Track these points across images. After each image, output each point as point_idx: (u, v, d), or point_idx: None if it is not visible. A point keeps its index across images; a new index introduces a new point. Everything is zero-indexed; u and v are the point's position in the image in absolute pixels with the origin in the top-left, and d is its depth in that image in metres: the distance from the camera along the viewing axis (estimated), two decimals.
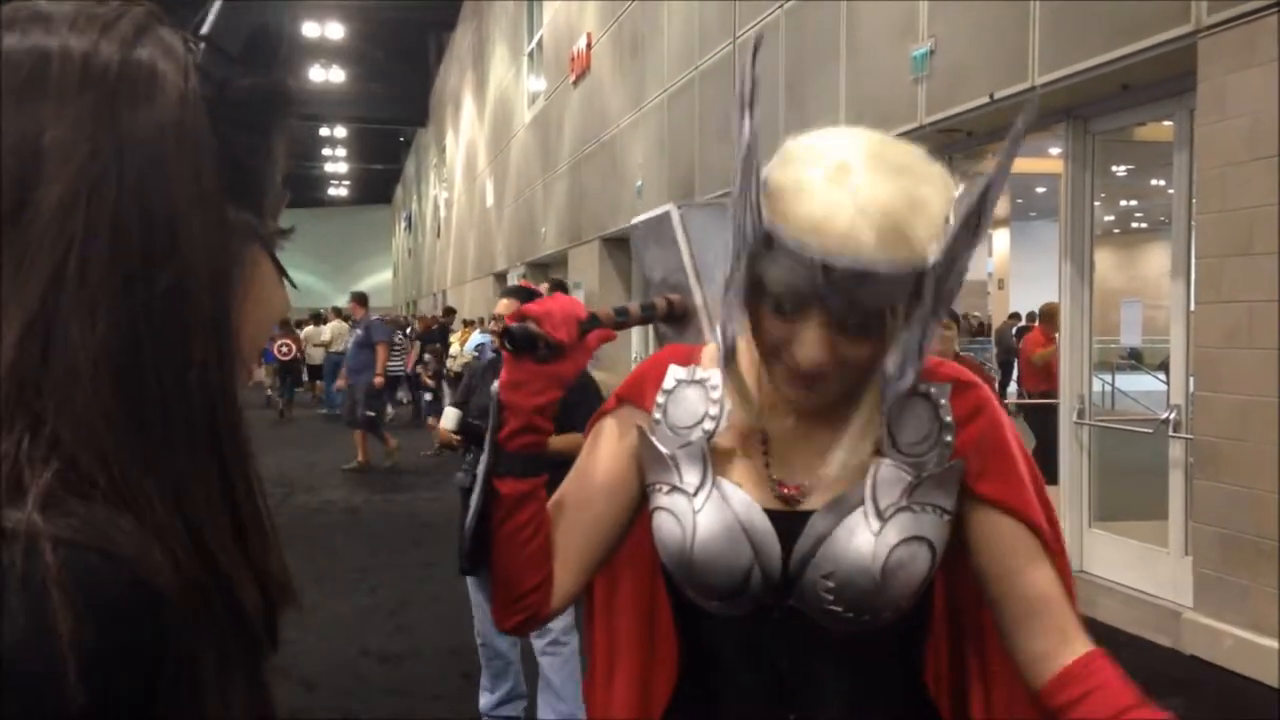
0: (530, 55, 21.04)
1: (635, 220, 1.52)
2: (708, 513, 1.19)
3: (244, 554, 0.62)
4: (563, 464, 1.34)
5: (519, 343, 1.18)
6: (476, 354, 12.72)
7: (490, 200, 25.77)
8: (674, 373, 1.29)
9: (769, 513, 1.20)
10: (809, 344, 1.08)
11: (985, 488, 1.20)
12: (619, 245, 15.65)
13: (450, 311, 17.58)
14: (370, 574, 7.17)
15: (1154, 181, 15.94)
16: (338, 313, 20.14)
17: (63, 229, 0.57)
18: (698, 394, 1.26)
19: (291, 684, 5.03)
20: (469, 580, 3.89)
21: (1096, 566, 6.24)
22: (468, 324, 16.95)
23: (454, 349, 15.57)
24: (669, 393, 1.28)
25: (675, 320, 1.36)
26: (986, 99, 6.51)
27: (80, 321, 0.57)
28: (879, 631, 1.20)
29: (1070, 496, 6.55)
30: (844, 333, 1.08)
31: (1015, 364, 16.25)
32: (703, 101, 11.40)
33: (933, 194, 1.06)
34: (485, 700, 4.12)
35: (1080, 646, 1.19)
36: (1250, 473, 4.82)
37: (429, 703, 4.05)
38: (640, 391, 1.31)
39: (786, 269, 1.06)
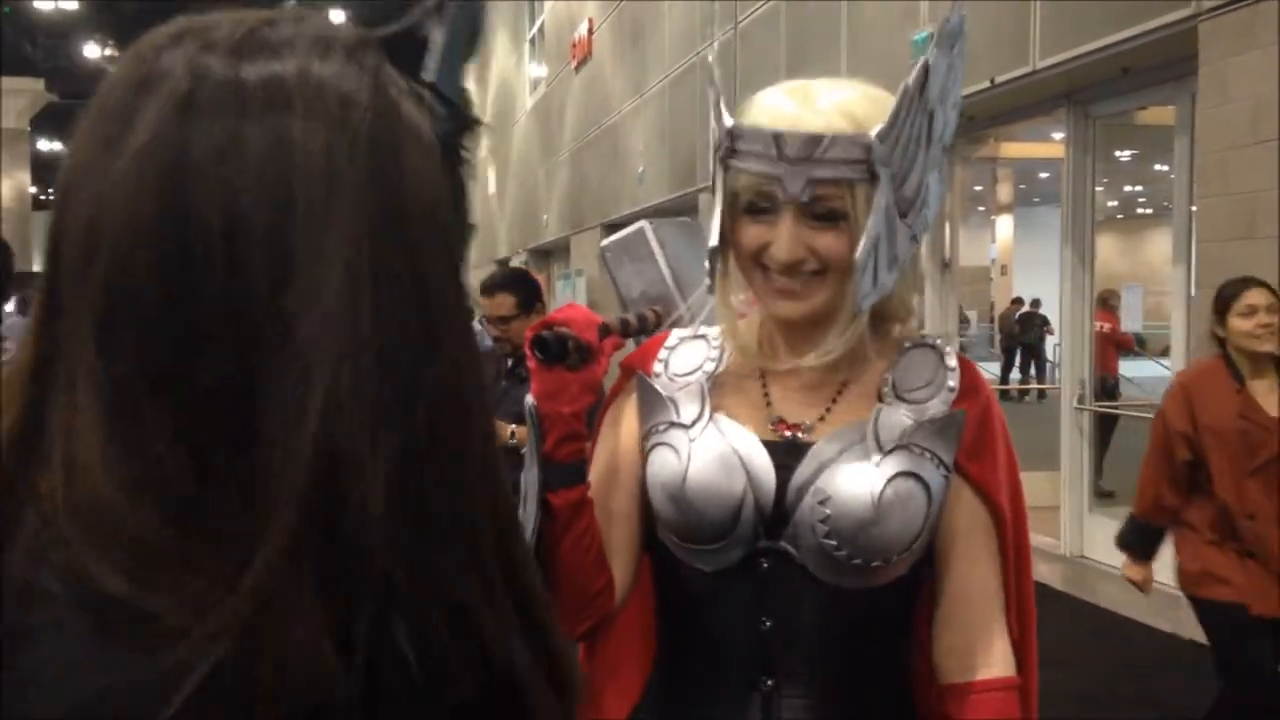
0: (532, 41, 20.98)
1: (606, 241, 1.55)
2: (703, 442, 1.21)
3: (536, 653, 0.54)
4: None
5: (551, 350, 1.18)
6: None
7: (492, 187, 25.74)
8: (678, 333, 1.35)
9: (767, 444, 1.21)
10: (783, 236, 1.14)
11: (964, 461, 1.21)
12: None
13: None
14: None
15: (1157, 167, 15.91)
16: None
17: (324, 335, 0.47)
18: (699, 345, 1.32)
19: None
20: None
21: (1096, 551, 6.23)
22: None
23: None
24: (671, 349, 1.33)
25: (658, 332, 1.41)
26: (988, 83, 6.48)
27: (362, 441, 0.47)
28: (870, 600, 1.19)
29: (1071, 481, 6.54)
30: (814, 222, 1.14)
31: (1018, 350, 16.24)
32: (704, 89, 11.34)
33: (884, 96, 1.16)
34: None
35: (987, 664, 1.19)
36: None
37: None
38: (645, 357, 1.34)
39: (751, 162, 1.15)
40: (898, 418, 1.20)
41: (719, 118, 1.19)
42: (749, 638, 1.20)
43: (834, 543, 1.15)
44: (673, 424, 1.24)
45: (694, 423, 1.23)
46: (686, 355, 1.31)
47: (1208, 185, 5.14)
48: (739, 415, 1.24)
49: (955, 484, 1.20)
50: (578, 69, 16.75)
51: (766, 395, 1.26)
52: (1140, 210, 21.05)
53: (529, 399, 1.23)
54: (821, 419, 1.24)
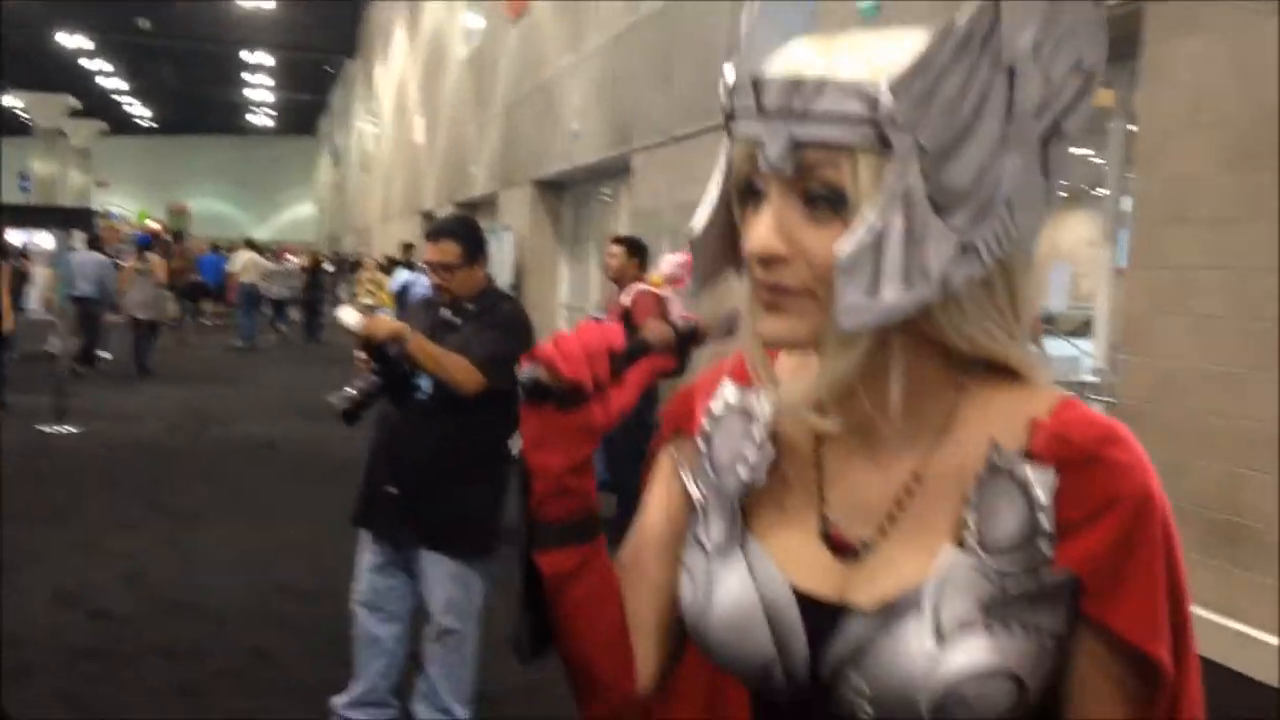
0: None
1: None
2: (727, 585, 0.95)
3: None
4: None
5: (531, 392, 0.94)
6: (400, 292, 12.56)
7: (420, 137, 25.27)
8: (726, 394, 1.02)
9: (804, 598, 0.92)
10: (758, 223, 0.84)
11: (1101, 613, 0.85)
12: (552, 189, 15.44)
13: (409, 248, 17.19)
14: (285, 509, 7.02)
15: (1077, 151, 16.15)
16: (249, 244, 20.24)
17: None
18: (743, 427, 0.99)
19: (198, 618, 4.89)
20: (360, 535, 3.47)
21: None
22: (394, 262, 16.72)
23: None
24: (716, 420, 1.01)
25: None
26: None
27: None
28: None
29: None
30: (807, 209, 0.83)
31: None
32: (644, 48, 11.22)
33: (923, 36, 0.80)
34: (341, 696, 3.51)
35: None
36: (1170, 439, 4.89)
37: (343, 640, 3.94)
38: (689, 412, 1.05)
39: (741, 124, 0.86)
40: (972, 579, 0.85)
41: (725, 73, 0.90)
42: None
43: None
44: (698, 543, 0.99)
45: (719, 552, 0.96)
46: (729, 438, 1.00)
47: (1145, 167, 5.20)
48: (781, 531, 0.95)
49: (1085, 637, 0.86)
50: (515, 21, 16.46)
51: (820, 478, 0.95)
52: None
53: (516, 442, 1.01)
54: (883, 531, 0.91)
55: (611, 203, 14.05)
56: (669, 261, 6.06)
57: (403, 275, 14.02)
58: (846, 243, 0.80)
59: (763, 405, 0.98)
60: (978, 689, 0.83)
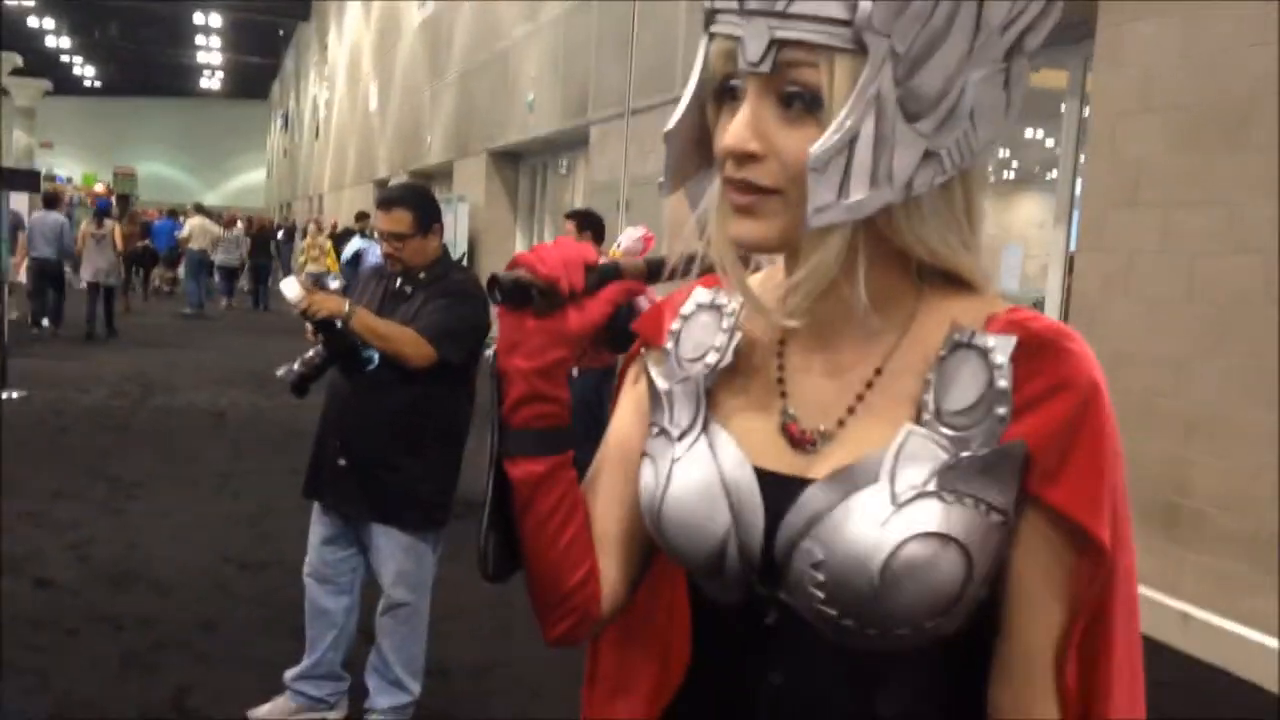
0: None
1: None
2: (688, 463, 0.97)
3: None
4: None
5: (509, 294, 0.96)
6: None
7: (374, 104, 24.95)
8: (697, 295, 1.06)
9: (764, 475, 0.94)
10: (735, 121, 0.86)
11: (1041, 487, 0.87)
12: (507, 160, 15.32)
13: (364, 217, 16.96)
14: (233, 479, 6.94)
15: (1029, 134, 16.31)
16: (199, 209, 19.97)
17: None
18: (712, 320, 1.04)
19: (144, 588, 4.83)
20: (314, 508, 3.46)
21: None
22: (347, 231, 16.53)
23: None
24: (686, 318, 1.06)
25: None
26: None
27: None
28: (912, 665, 0.93)
29: None
30: (784, 111, 0.86)
31: None
32: (602, 19, 11.14)
33: None
34: (292, 669, 3.55)
35: None
36: (1117, 420, 4.97)
37: (292, 611, 3.91)
38: (659, 322, 1.08)
39: (721, 24, 0.88)
40: (929, 450, 0.88)
41: None
42: (762, 692, 0.97)
43: (834, 612, 0.89)
44: (662, 430, 1.00)
45: (683, 435, 0.98)
46: (697, 332, 1.04)
47: (1096, 149, 5.25)
48: (743, 417, 0.98)
49: (1029, 516, 0.88)
50: None
51: (782, 377, 0.98)
52: (1008, 175, 21.68)
53: (488, 353, 1.04)
54: (841, 423, 0.94)
55: (568, 175, 13.98)
56: (629, 236, 6.03)
57: (356, 243, 13.90)
58: (820, 143, 0.82)
59: (732, 303, 1.02)
60: (927, 553, 0.85)
